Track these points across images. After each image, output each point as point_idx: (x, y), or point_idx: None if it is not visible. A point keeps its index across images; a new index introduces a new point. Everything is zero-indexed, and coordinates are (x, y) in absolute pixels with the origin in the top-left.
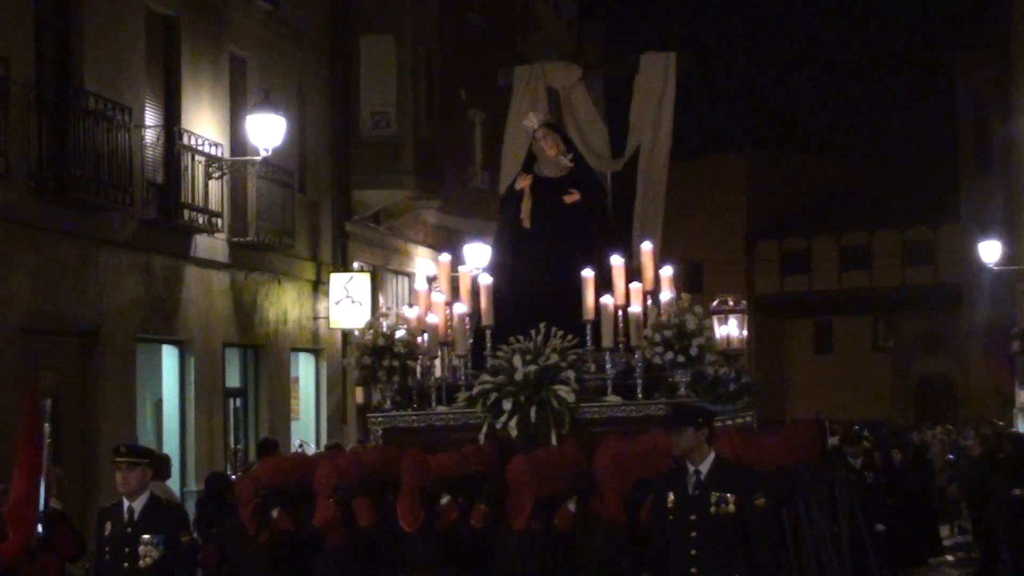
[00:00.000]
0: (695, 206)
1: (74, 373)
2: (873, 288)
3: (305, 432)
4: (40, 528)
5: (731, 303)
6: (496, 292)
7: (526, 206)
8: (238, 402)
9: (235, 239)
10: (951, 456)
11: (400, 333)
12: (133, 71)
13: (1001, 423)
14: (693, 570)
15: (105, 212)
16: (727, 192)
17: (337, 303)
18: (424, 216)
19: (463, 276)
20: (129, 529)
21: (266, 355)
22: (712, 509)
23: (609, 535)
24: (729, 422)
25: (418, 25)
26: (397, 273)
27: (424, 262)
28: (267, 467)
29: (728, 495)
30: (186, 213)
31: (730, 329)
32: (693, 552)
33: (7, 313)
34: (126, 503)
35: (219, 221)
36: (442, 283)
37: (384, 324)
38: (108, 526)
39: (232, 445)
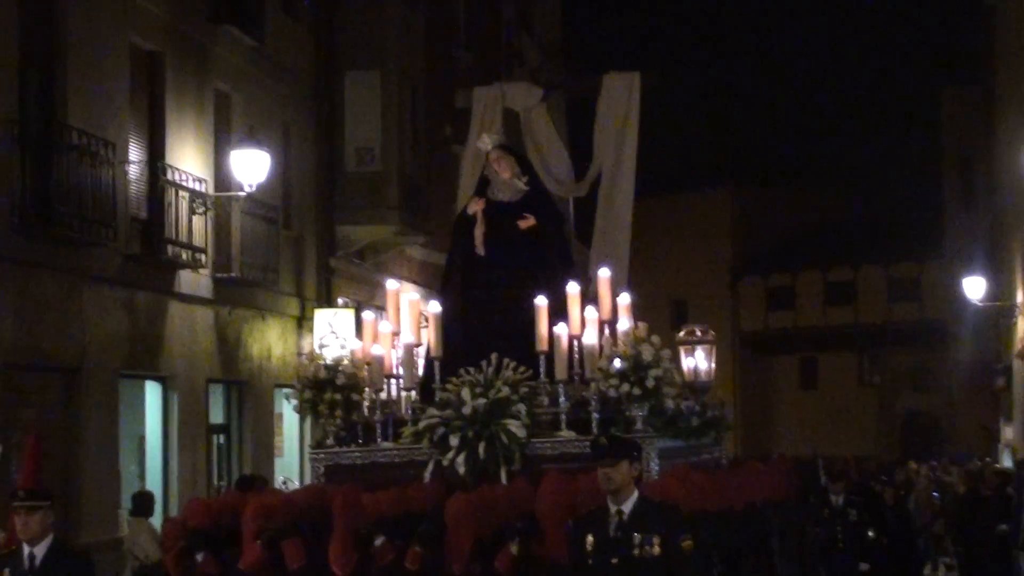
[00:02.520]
0: (680, 242)
1: (57, 409)
2: (858, 324)
3: (289, 469)
4: None
5: (699, 333)
6: (447, 322)
7: (479, 232)
8: (221, 438)
9: (219, 275)
10: (936, 494)
11: (344, 364)
12: (117, 106)
13: (987, 459)
14: None
15: (88, 247)
16: (712, 228)
17: (321, 339)
18: (409, 252)
19: (411, 305)
20: None
21: (250, 391)
22: (636, 551)
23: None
24: (694, 459)
25: (403, 61)
26: (382, 309)
27: (409, 298)
28: (195, 508)
29: (653, 537)
30: (170, 249)
31: (697, 361)
32: None
33: None
34: (27, 549)
35: (203, 257)
36: (390, 313)
37: (327, 355)
38: (6, 573)
39: (215, 482)
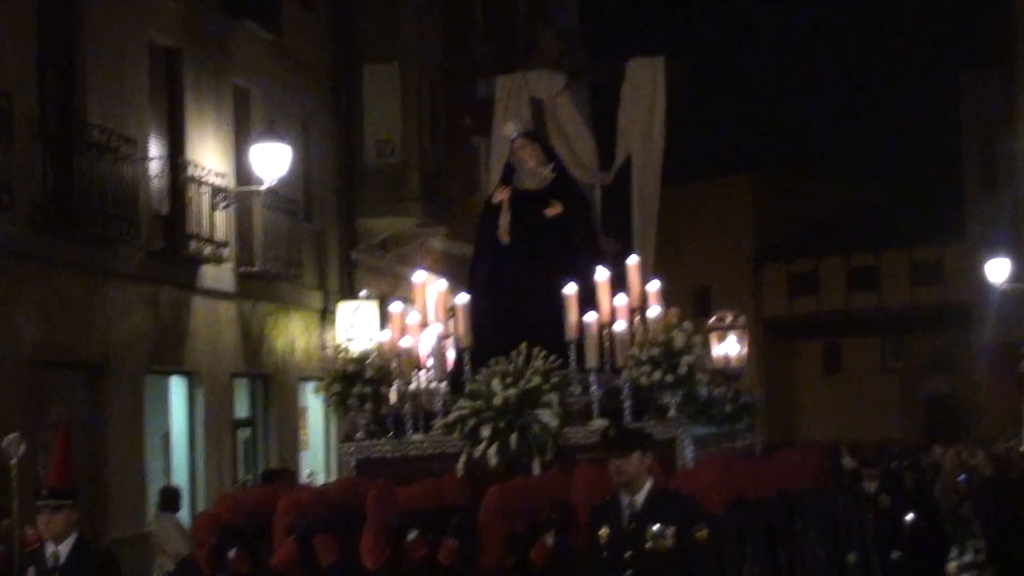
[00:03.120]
0: (701, 229)
1: (82, 406)
2: (881, 308)
3: (314, 461)
4: None
5: (729, 319)
6: (475, 312)
7: (504, 220)
8: (247, 433)
9: (242, 269)
10: (962, 476)
11: (372, 357)
12: (137, 103)
13: (1012, 442)
14: None
15: (111, 244)
16: (733, 215)
17: (345, 332)
18: (430, 243)
19: (440, 296)
20: (55, 574)
21: (274, 385)
22: (649, 544)
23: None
24: (728, 445)
25: (422, 53)
26: (405, 301)
27: (437, 288)
28: (227, 504)
29: (667, 529)
30: (192, 244)
31: (729, 347)
32: None
33: (14, 346)
34: (50, 547)
35: (225, 251)
36: (419, 303)
37: (355, 348)
38: (31, 571)
39: (241, 476)
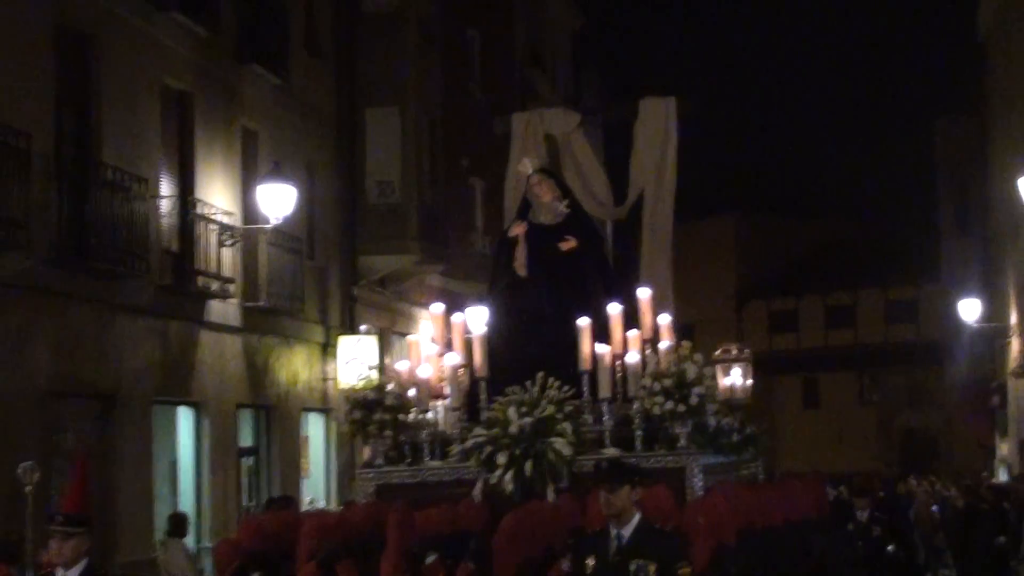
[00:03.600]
0: (686, 268)
1: (93, 434)
2: (858, 345)
3: (315, 489)
4: None
5: (735, 352)
6: (491, 342)
7: (520, 254)
8: (251, 461)
9: (247, 304)
10: (935, 508)
11: (391, 386)
12: (149, 144)
13: (984, 474)
14: None
15: (122, 279)
16: (717, 255)
17: (346, 364)
18: (428, 280)
19: (456, 327)
20: None
21: (278, 415)
22: None
23: None
24: (734, 475)
25: (422, 98)
26: (403, 335)
27: (429, 324)
28: (249, 530)
29: (649, 565)
30: (200, 279)
31: (734, 379)
32: None
33: (29, 377)
34: (60, 573)
35: (232, 287)
36: (436, 334)
37: (375, 378)
38: None
39: (245, 502)
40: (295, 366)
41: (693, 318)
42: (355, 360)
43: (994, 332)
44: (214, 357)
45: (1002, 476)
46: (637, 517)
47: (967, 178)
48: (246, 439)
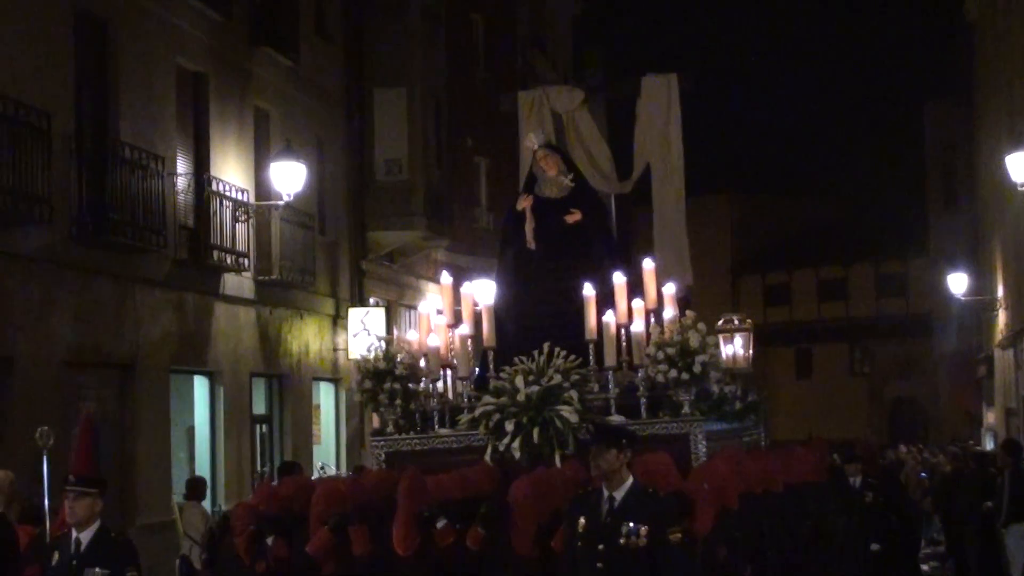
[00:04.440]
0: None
1: (113, 403)
2: (849, 318)
3: (326, 456)
4: None
5: (736, 322)
6: (500, 313)
7: (529, 227)
8: (264, 428)
9: (260, 277)
10: (923, 474)
11: (401, 356)
12: (165, 123)
13: (970, 442)
14: None
15: (140, 253)
16: (713, 231)
17: (355, 336)
18: (434, 254)
19: (465, 298)
20: (74, 561)
21: (289, 384)
22: (622, 540)
23: None
24: (737, 440)
25: (428, 79)
26: (410, 307)
27: (435, 297)
28: (264, 494)
29: (640, 527)
30: (215, 254)
31: (736, 348)
32: None
33: (50, 347)
34: (74, 533)
35: (245, 261)
36: (444, 305)
37: (386, 348)
38: (56, 555)
39: (259, 468)
40: (306, 337)
41: (690, 291)
42: (364, 331)
43: (981, 305)
44: (229, 328)
45: (988, 444)
46: (630, 480)
47: (955, 156)
48: (259, 407)
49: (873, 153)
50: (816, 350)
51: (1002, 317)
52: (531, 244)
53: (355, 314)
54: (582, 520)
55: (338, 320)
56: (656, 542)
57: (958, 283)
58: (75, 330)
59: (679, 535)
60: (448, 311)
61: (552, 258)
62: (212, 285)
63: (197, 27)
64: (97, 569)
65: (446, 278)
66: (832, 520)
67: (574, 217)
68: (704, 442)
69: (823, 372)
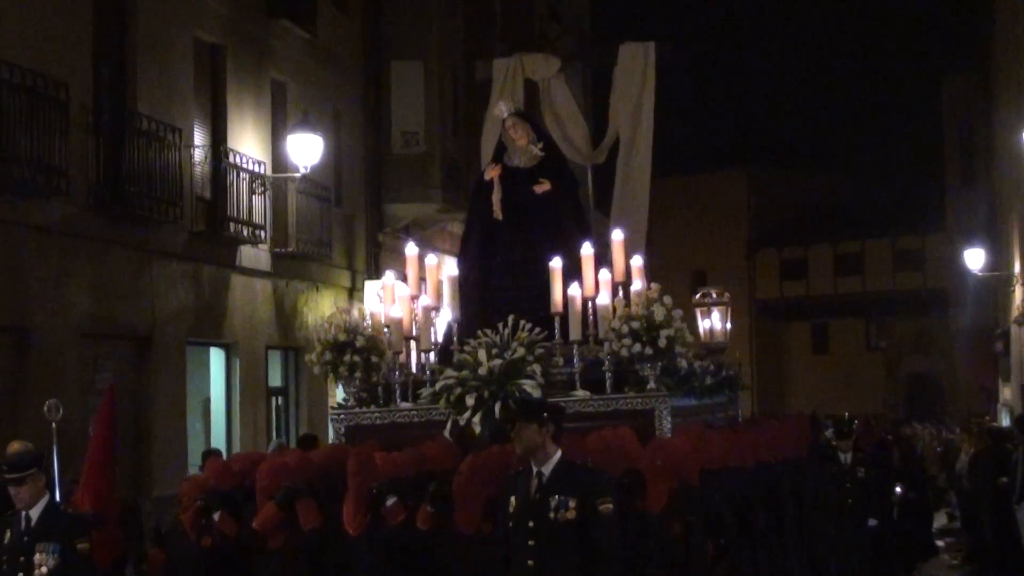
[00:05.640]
0: (700, 218)
1: (129, 374)
2: (866, 292)
3: None
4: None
5: (714, 295)
6: (467, 285)
7: (496, 197)
8: (279, 400)
9: (276, 250)
10: (939, 449)
11: (364, 326)
12: (182, 95)
13: (987, 418)
14: None
15: (157, 225)
16: (730, 205)
17: (348, 313)
18: (451, 227)
19: (430, 269)
20: (26, 538)
21: (305, 356)
22: (551, 515)
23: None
24: (708, 416)
25: (444, 51)
26: (425, 280)
27: (452, 269)
28: (215, 468)
29: (569, 500)
30: (232, 226)
31: (713, 322)
32: (530, 563)
33: (68, 319)
34: (24, 515)
35: (262, 233)
36: (410, 276)
37: (347, 319)
38: (7, 534)
39: (274, 439)
40: (323, 309)
41: (706, 266)
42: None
43: (998, 280)
44: (245, 300)
45: (1004, 420)
46: (558, 455)
47: (972, 132)
48: (275, 379)
49: (891, 128)
50: (832, 325)
51: (1019, 293)
52: (498, 214)
53: (371, 286)
54: (513, 499)
55: (354, 292)
56: (586, 514)
57: (975, 258)
58: (92, 302)
59: (609, 505)
60: (414, 282)
61: (520, 229)
62: (228, 257)
63: None
64: (48, 543)
65: (411, 248)
66: (812, 496)
67: (543, 187)
68: (669, 418)
69: (839, 347)
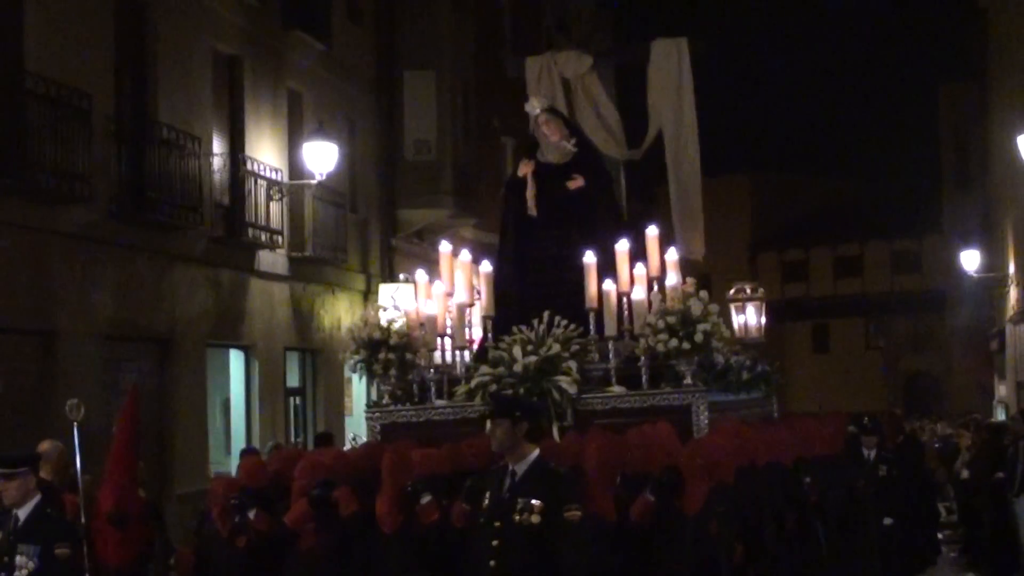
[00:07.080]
0: (705, 221)
1: (151, 375)
2: (865, 294)
3: (357, 427)
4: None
5: (748, 291)
6: (501, 281)
7: (530, 193)
8: (297, 400)
9: (294, 254)
10: (937, 444)
11: (398, 325)
12: (202, 105)
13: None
14: None
15: (178, 231)
16: (732, 209)
17: (385, 311)
18: (462, 232)
19: (464, 266)
20: (11, 537)
21: (322, 358)
22: (516, 517)
23: (598, 534)
24: (744, 412)
25: (456, 61)
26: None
27: (462, 259)
28: (247, 468)
29: (533, 503)
30: (250, 231)
31: (748, 317)
32: (492, 563)
33: (91, 322)
34: (14, 512)
35: (279, 238)
36: (443, 273)
37: (381, 317)
38: None
39: (292, 438)
40: (338, 312)
41: (709, 268)
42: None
43: (993, 281)
44: (263, 303)
45: (1000, 416)
46: (533, 455)
47: (968, 136)
48: (293, 380)
49: (889, 134)
50: (832, 325)
51: (1013, 293)
52: (532, 211)
53: (385, 290)
54: (487, 495)
55: (369, 296)
56: (551, 520)
57: (971, 260)
58: (115, 305)
59: (576, 513)
60: (448, 280)
61: (553, 225)
62: (247, 262)
63: (232, 11)
64: (28, 546)
65: (445, 246)
66: (847, 493)
67: (576, 183)
68: (706, 413)
69: (839, 347)
